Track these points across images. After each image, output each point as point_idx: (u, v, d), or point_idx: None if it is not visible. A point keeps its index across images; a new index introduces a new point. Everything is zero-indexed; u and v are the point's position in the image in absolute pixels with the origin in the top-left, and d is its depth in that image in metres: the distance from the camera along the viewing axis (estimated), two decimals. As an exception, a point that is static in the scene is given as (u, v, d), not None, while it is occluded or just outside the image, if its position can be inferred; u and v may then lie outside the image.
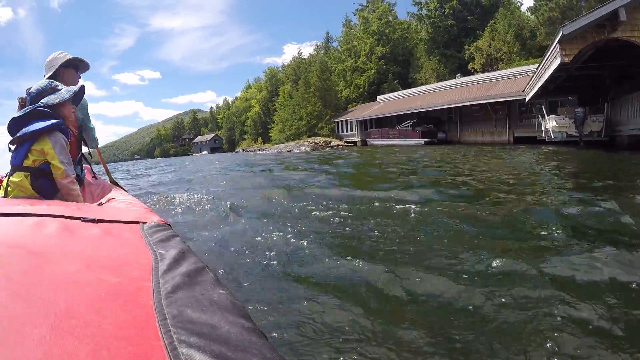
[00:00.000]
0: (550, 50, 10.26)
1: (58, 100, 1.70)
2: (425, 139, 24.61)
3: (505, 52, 30.96)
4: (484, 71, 31.30)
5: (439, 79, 33.72)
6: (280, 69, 62.06)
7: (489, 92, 22.75)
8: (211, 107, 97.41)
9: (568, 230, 2.83)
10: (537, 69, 14.11)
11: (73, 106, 1.85)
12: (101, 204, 1.52)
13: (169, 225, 1.00)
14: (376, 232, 2.95)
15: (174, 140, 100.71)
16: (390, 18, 38.89)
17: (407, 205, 3.81)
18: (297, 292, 1.95)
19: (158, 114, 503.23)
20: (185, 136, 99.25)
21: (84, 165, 2.34)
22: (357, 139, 30.95)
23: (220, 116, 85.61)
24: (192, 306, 0.51)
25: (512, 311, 1.65)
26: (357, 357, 1.37)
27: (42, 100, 1.68)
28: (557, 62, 9.29)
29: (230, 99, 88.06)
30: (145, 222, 0.94)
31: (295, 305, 1.78)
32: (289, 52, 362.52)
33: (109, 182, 2.55)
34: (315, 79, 35.56)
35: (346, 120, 33.25)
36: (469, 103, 22.71)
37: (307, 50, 61.40)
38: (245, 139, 63.47)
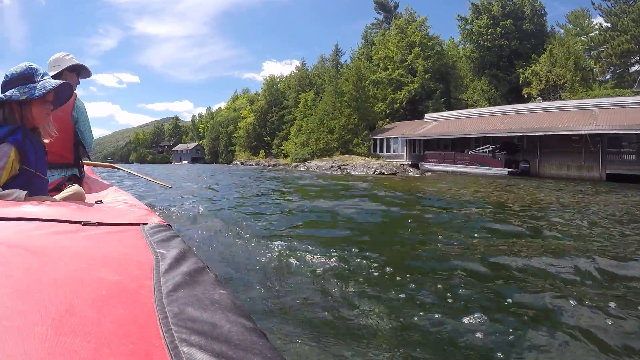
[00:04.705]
0: None
1: (24, 97, 1.37)
2: (509, 169, 20.12)
3: (568, 79, 27.70)
4: (543, 98, 27.87)
5: (490, 102, 29.92)
6: (279, 78, 56.70)
7: (597, 121, 18.77)
8: (193, 116, 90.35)
9: None
10: None
11: (49, 105, 1.48)
12: (101, 202, 1.48)
13: (170, 225, 0.95)
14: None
15: (152, 146, 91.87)
16: (428, 32, 35.11)
17: None
18: (298, 295, 1.93)
19: (134, 119, 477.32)
20: (164, 143, 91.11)
21: (84, 166, 2.43)
22: (404, 161, 25.91)
23: (202, 125, 78.80)
24: (193, 305, 0.50)
25: None
26: (358, 356, 1.34)
27: (7, 92, 1.38)
28: None
29: (214, 109, 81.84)
30: (146, 223, 0.91)
31: (297, 306, 1.76)
32: (268, 69, 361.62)
33: (108, 182, 2.53)
34: (351, 87, 30.19)
35: (388, 138, 28.27)
36: (592, 130, 18.51)
37: (288, 68, 56.86)
38: (233, 151, 57.05)
